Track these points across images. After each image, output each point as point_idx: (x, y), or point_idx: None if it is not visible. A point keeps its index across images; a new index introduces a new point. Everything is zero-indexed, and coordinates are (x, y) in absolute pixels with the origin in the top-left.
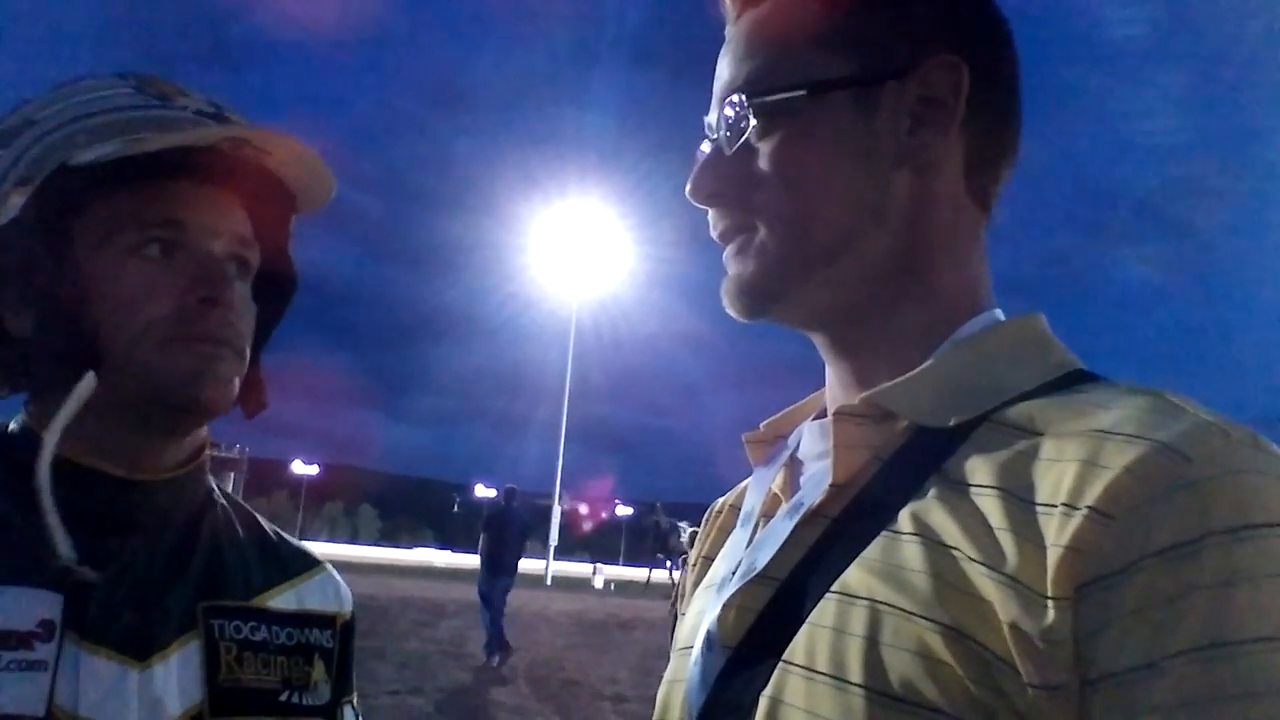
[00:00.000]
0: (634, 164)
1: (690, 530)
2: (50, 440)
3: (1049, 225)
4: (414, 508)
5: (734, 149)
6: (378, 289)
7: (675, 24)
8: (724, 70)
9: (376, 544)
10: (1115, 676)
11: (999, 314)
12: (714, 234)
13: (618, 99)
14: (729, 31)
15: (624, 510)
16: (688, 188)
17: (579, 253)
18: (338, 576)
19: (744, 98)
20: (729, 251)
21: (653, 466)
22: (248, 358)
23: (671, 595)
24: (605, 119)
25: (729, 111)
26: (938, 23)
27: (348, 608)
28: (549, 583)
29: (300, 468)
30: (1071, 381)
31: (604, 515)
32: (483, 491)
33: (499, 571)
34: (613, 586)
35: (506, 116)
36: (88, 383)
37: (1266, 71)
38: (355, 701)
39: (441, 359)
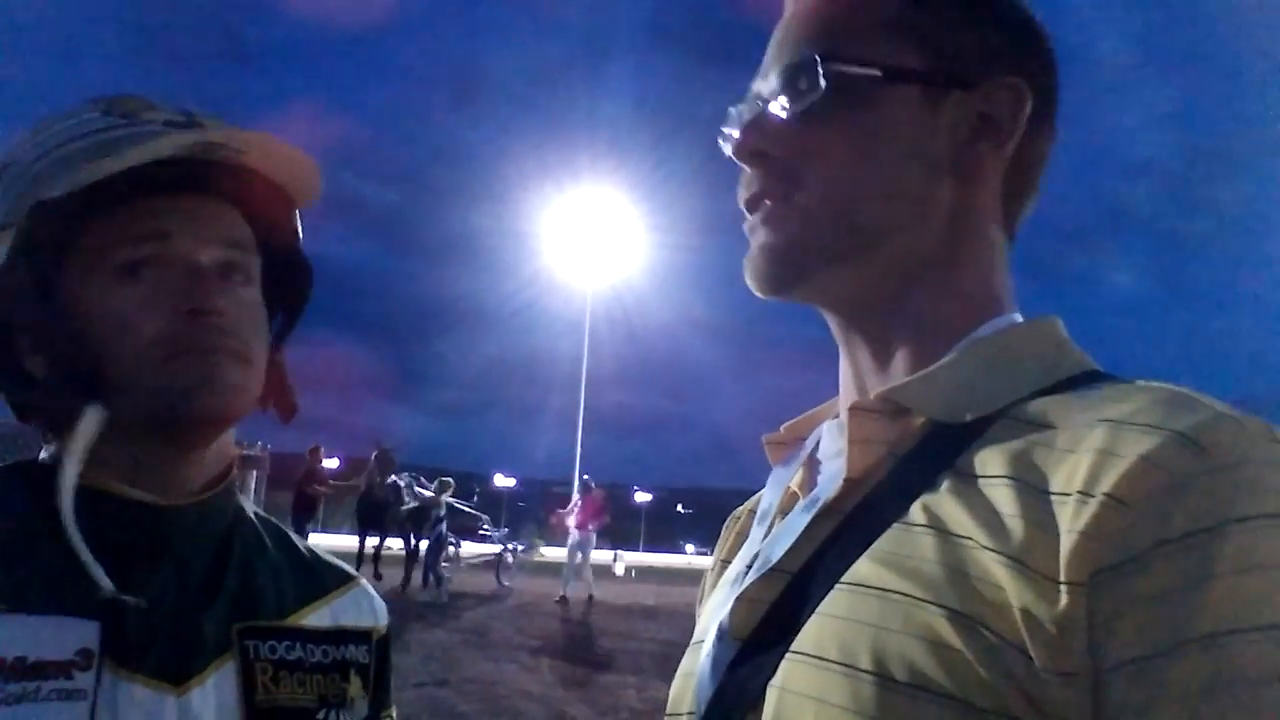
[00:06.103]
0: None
1: (417, 488)
2: (67, 479)
3: (1032, 233)
4: None
5: (792, 113)
6: (395, 281)
7: (691, 9)
8: (794, 28)
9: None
10: (1132, 663)
11: (1017, 317)
12: (743, 196)
13: (632, 86)
14: None
15: (643, 497)
16: (731, 146)
17: (594, 240)
18: (372, 590)
19: (819, 59)
20: (757, 219)
21: (671, 453)
22: (255, 360)
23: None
24: (620, 106)
25: (797, 72)
26: (1008, 43)
27: (383, 622)
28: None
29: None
30: (1086, 381)
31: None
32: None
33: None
34: (633, 573)
35: (521, 105)
36: (93, 415)
37: (1250, 83)
38: (394, 713)
39: (459, 349)
